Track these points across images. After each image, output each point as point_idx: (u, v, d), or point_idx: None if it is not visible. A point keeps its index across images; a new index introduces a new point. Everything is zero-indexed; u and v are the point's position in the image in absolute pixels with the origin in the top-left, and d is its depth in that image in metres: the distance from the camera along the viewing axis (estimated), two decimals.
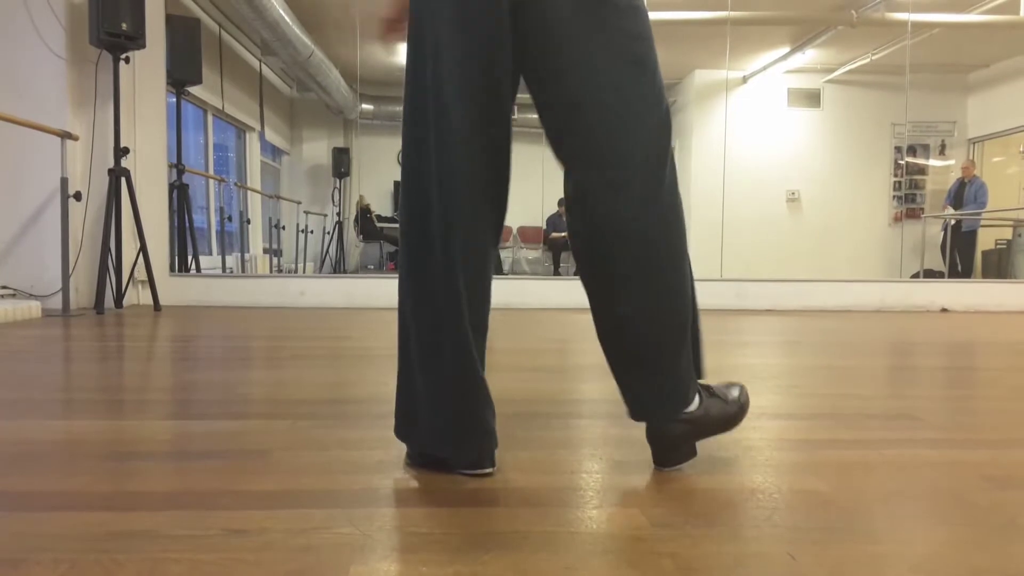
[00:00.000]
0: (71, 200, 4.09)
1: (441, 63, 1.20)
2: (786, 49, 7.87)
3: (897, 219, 8.12)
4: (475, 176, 1.23)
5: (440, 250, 1.21)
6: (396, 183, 8.42)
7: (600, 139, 1.20)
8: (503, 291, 5.08)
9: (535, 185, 7.29)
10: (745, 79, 8.13)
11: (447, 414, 1.22)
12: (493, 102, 1.22)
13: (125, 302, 4.60)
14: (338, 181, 8.21)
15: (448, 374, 1.21)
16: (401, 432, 1.30)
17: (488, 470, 1.24)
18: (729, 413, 1.30)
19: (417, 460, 1.30)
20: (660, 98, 1.23)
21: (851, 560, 0.92)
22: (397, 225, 7.27)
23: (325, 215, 8.34)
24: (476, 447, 1.23)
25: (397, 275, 1.28)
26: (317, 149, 8.43)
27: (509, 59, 1.21)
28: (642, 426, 1.30)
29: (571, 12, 1.17)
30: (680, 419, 1.25)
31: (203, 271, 5.70)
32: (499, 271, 7.12)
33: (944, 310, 5.53)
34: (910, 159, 8.20)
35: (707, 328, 3.56)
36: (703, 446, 1.38)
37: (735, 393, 1.33)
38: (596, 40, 1.18)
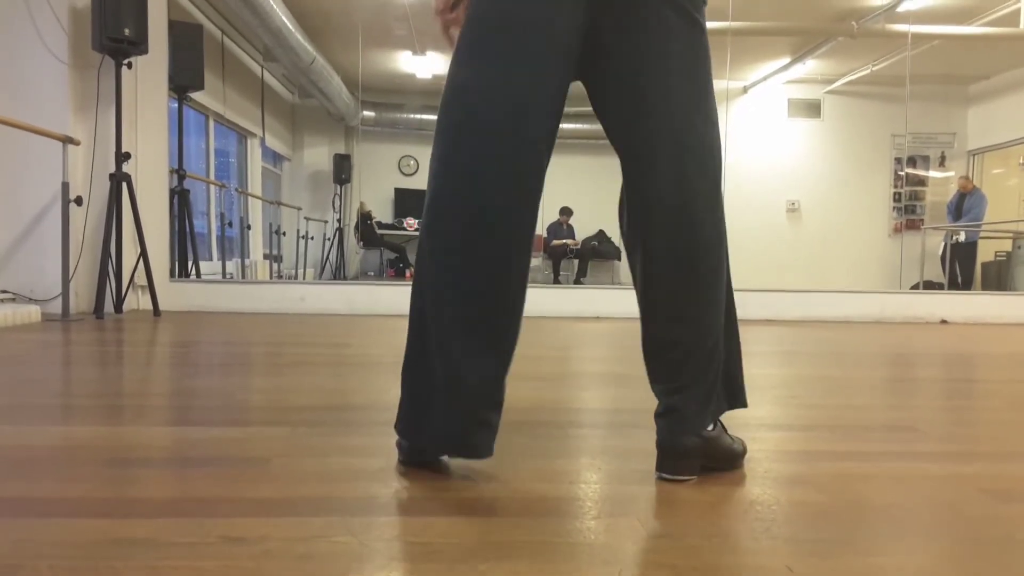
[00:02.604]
0: (72, 205, 4.09)
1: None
2: (787, 60, 7.90)
3: (897, 230, 8.13)
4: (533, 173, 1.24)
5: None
6: (397, 190, 8.43)
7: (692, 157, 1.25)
8: None
9: None
10: (746, 89, 8.15)
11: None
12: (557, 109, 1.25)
13: (125, 307, 4.60)
14: (339, 187, 8.22)
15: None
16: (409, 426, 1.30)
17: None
18: (736, 450, 1.36)
19: (414, 458, 1.32)
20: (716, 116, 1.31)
21: (849, 572, 0.92)
22: (397, 232, 7.25)
23: (326, 221, 8.35)
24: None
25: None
26: (318, 155, 8.44)
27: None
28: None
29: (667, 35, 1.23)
30: (697, 432, 1.27)
31: (203, 277, 5.70)
32: None
33: (944, 322, 5.53)
34: (910, 170, 8.22)
35: None
36: None
37: (739, 441, 1.39)
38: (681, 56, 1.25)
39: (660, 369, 1.30)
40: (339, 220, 8.27)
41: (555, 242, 7.89)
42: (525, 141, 1.21)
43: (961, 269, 7.51)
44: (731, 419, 1.64)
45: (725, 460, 1.34)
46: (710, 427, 1.30)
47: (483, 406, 1.24)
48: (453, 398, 1.23)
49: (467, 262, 1.21)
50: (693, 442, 1.27)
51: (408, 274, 8.26)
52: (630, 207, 1.31)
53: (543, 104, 1.22)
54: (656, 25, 1.22)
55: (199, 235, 5.90)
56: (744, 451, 1.39)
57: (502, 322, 1.25)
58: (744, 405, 1.37)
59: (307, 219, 8.28)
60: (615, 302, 5.16)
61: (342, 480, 1.25)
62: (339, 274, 8.19)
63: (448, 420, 1.23)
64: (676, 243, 1.25)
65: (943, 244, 7.70)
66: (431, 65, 8.07)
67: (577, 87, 1.32)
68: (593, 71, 1.28)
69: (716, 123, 1.29)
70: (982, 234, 7.81)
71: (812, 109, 8.30)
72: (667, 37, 1.23)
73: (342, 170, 8.19)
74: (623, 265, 8.18)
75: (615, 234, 8.16)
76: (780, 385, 2.37)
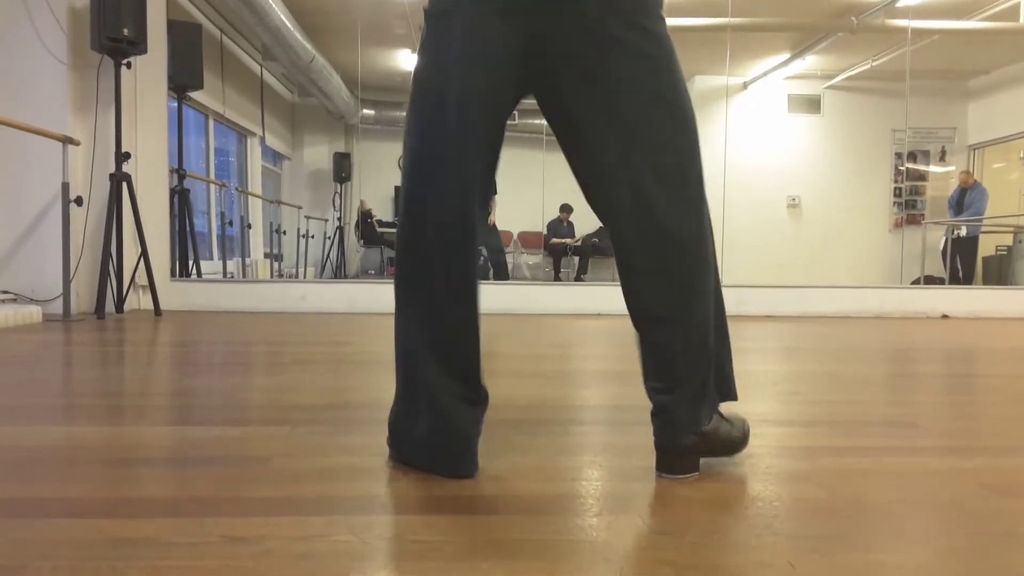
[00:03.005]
0: (72, 205, 4.09)
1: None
2: (786, 55, 7.89)
3: (897, 225, 8.13)
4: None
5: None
6: (397, 188, 8.41)
7: (657, 144, 1.25)
8: (503, 297, 5.08)
9: (535, 191, 7.30)
10: (745, 85, 8.14)
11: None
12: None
13: (126, 307, 4.60)
14: (339, 186, 8.22)
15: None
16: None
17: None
18: (735, 437, 1.35)
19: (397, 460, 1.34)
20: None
21: (851, 568, 0.92)
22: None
23: (326, 220, 8.35)
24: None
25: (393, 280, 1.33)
26: (318, 154, 8.44)
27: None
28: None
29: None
30: (694, 430, 1.27)
31: (204, 276, 5.70)
32: (503, 276, 7.12)
33: (945, 317, 5.53)
34: (910, 165, 8.21)
35: None
36: None
37: (739, 423, 1.38)
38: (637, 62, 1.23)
39: (651, 367, 1.30)
40: (339, 219, 8.27)
41: (555, 240, 7.89)
42: (464, 175, 1.24)
43: (962, 264, 7.50)
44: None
45: (725, 449, 1.34)
46: (706, 423, 1.30)
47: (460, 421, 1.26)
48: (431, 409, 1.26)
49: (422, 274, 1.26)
50: (690, 440, 1.27)
51: None
52: (601, 221, 1.33)
53: (479, 142, 1.24)
54: (601, 46, 1.21)
55: (199, 234, 5.90)
56: (745, 433, 1.37)
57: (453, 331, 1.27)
58: (734, 398, 1.36)
59: (307, 218, 8.29)
60: (616, 299, 5.11)
61: (343, 479, 1.25)
62: (340, 273, 8.19)
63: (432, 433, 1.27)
64: (644, 248, 1.26)
65: (944, 239, 7.69)
66: None
67: None
68: (546, 101, 1.30)
69: (686, 124, 1.26)
70: (983, 229, 7.80)
71: (812, 105, 8.29)
72: (621, 54, 1.21)
73: (342, 168, 8.19)
74: None
75: None
76: (781, 381, 2.37)
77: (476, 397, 1.28)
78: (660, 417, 1.27)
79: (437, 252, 1.24)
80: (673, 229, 1.24)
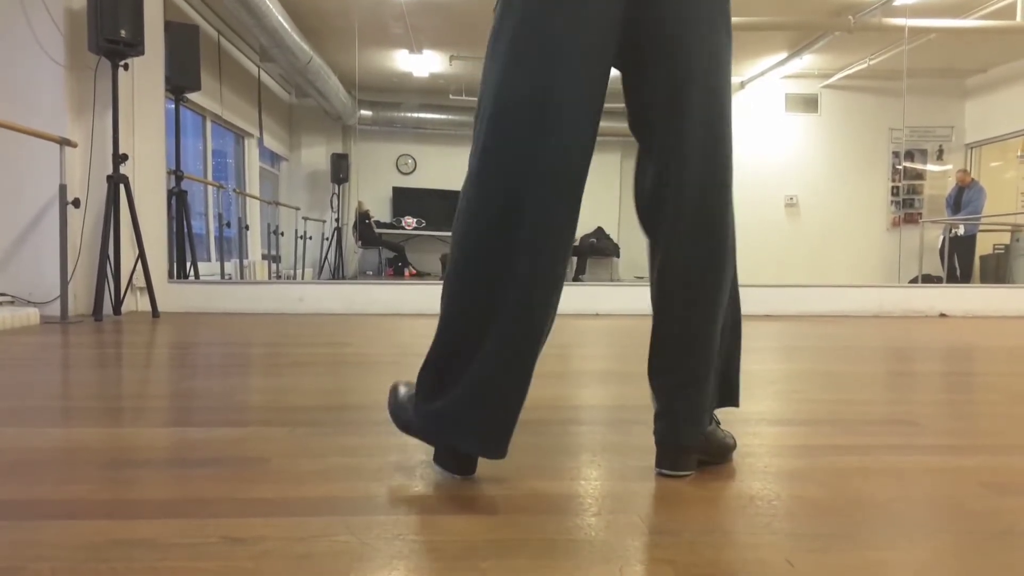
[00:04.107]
0: (70, 207, 4.08)
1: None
2: (784, 54, 7.89)
3: (895, 224, 8.13)
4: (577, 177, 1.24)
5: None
6: (395, 189, 8.43)
7: (710, 144, 1.27)
8: None
9: None
10: (743, 84, 8.15)
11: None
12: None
13: (123, 309, 4.59)
14: (337, 187, 8.22)
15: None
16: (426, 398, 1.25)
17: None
18: (726, 444, 1.38)
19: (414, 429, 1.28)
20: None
21: (850, 567, 0.92)
22: (396, 231, 7.25)
23: (324, 221, 8.34)
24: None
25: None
26: (316, 155, 8.44)
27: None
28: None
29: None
30: (696, 427, 1.28)
31: (202, 278, 5.70)
32: None
33: (943, 315, 5.53)
34: (908, 164, 8.22)
35: None
36: None
37: (728, 432, 1.41)
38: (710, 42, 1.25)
39: (663, 360, 1.30)
40: (337, 220, 8.27)
41: None
42: (562, 143, 1.19)
43: (960, 262, 7.51)
44: (730, 414, 1.64)
45: (719, 454, 1.36)
46: (708, 423, 1.32)
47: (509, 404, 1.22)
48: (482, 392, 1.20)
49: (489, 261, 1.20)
50: (693, 437, 1.28)
51: (407, 273, 8.26)
52: (655, 195, 1.30)
53: (582, 105, 1.20)
54: (702, 7, 1.23)
55: (197, 236, 5.89)
56: (734, 445, 1.40)
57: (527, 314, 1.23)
58: (736, 404, 1.38)
59: (305, 219, 8.28)
60: (614, 299, 5.16)
61: (341, 480, 1.25)
62: (338, 274, 8.19)
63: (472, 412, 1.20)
64: (698, 235, 1.27)
65: (942, 237, 7.70)
66: (428, 63, 8.06)
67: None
68: (631, 59, 1.27)
69: (730, 117, 1.32)
70: (981, 227, 7.81)
71: (809, 104, 8.30)
72: (713, 19, 1.24)
73: (340, 169, 8.18)
74: (622, 262, 8.18)
75: (613, 231, 8.16)
76: (780, 380, 2.37)
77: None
78: (666, 413, 1.28)
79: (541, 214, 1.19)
80: (716, 209, 1.28)
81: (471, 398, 1.19)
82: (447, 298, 1.24)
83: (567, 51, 1.17)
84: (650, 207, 1.31)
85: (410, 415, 1.28)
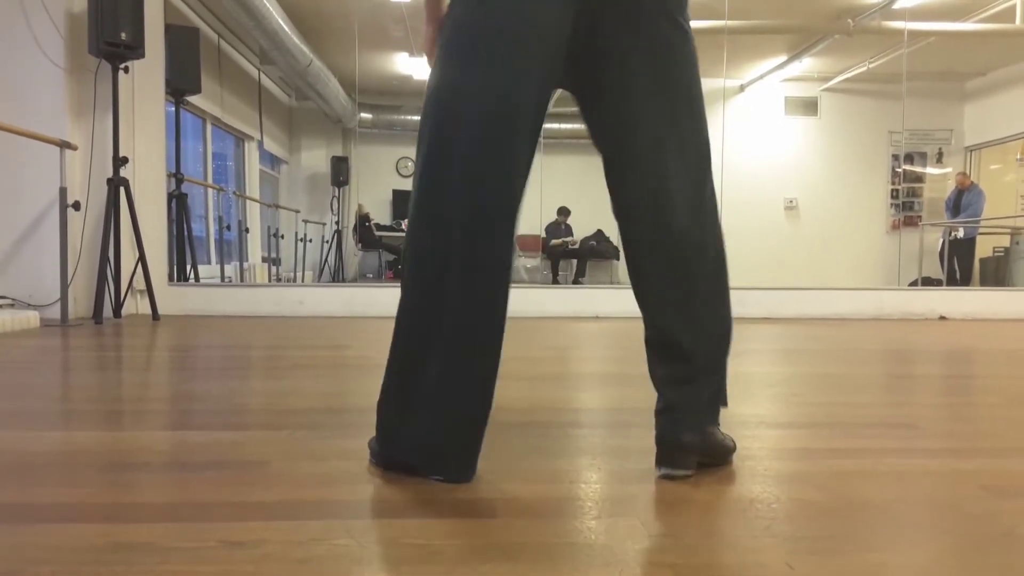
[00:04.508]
0: (70, 210, 4.08)
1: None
2: (783, 58, 7.90)
3: (895, 227, 8.14)
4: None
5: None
6: (395, 191, 8.43)
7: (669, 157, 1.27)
8: None
9: (534, 193, 7.30)
10: (742, 88, 8.16)
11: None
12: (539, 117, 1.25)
13: (124, 312, 4.59)
14: (337, 190, 8.22)
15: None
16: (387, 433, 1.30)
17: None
18: (727, 445, 1.38)
19: (383, 463, 1.31)
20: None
21: (850, 570, 0.92)
22: (396, 233, 7.22)
23: (324, 224, 8.35)
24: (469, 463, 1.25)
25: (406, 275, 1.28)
26: (316, 158, 8.44)
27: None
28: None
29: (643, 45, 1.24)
30: (696, 427, 1.28)
31: (202, 280, 5.70)
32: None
33: (942, 318, 5.53)
34: (907, 167, 8.23)
35: None
36: None
37: (728, 435, 1.41)
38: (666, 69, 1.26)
39: (665, 358, 1.30)
40: (337, 222, 8.27)
41: (554, 242, 7.89)
42: (511, 140, 1.21)
43: (959, 265, 7.51)
44: (729, 416, 1.64)
45: (720, 455, 1.36)
46: (711, 422, 1.32)
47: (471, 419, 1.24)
48: (442, 405, 1.23)
49: (454, 260, 1.21)
50: (693, 437, 1.28)
51: None
52: (615, 210, 1.34)
53: (528, 104, 1.22)
54: (651, 37, 1.24)
55: (197, 239, 5.90)
56: (734, 447, 1.40)
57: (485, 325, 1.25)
58: (725, 404, 1.39)
59: (305, 222, 8.28)
60: (614, 301, 5.15)
61: (341, 483, 1.25)
62: (338, 276, 8.19)
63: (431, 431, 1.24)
64: (658, 246, 1.28)
65: (941, 240, 7.70)
66: (428, 67, 8.06)
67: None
68: (584, 78, 1.29)
69: (706, 128, 1.31)
70: (980, 230, 7.81)
71: (809, 107, 8.31)
72: (665, 49, 1.25)
73: (340, 172, 8.19)
74: (622, 264, 8.17)
75: (613, 233, 8.16)
76: (779, 383, 2.37)
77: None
78: (666, 411, 1.28)
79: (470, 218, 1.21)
80: (689, 224, 1.27)
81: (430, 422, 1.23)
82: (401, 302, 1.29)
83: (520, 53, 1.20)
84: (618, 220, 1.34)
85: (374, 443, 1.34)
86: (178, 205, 5.24)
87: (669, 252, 1.28)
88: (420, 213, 1.25)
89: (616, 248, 8.22)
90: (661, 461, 1.29)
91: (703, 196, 1.29)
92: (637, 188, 1.28)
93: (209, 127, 7.08)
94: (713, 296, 1.30)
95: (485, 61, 1.20)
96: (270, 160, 8.39)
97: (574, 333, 3.99)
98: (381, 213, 8.38)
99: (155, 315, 4.54)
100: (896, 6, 6.66)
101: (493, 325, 1.23)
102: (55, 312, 4.15)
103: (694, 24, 1.30)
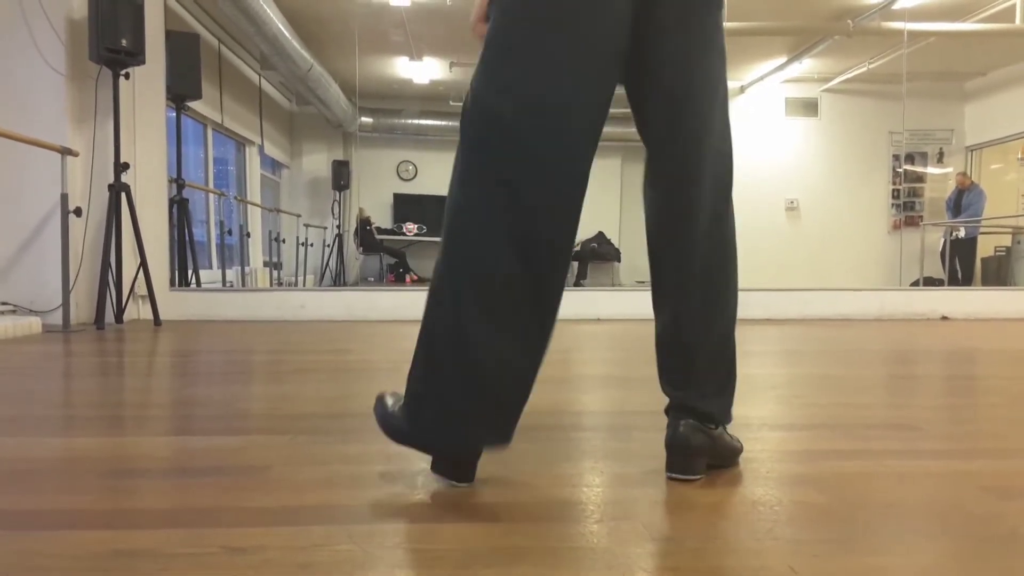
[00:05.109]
0: (71, 216, 4.09)
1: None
2: (783, 59, 7.90)
3: (896, 227, 8.13)
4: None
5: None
6: (396, 195, 8.44)
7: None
8: None
9: None
10: (743, 89, 8.16)
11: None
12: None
13: (125, 317, 4.60)
14: (338, 194, 8.23)
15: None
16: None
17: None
18: (735, 447, 1.39)
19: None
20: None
21: (852, 572, 0.91)
22: (397, 237, 7.23)
23: (325, 228, 8.35)
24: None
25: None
26: (317, 162, 8.45)
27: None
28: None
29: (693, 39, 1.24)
30: (705, 430, 1.29)
31: (203, 285, 5.70)
32: None
33: (944, 318, 5.53)
34: (908, 167, 8.22)
35: None
36: None
37: (735, 436, 1.42)
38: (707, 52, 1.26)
39: (673, 363, 1.31)
40: (338, 226, 8.27)
41: None
42: (569, 145, 1.18)
43: (961, 265, 7.50)
44: (733, 417, 1.64)
45: (727, 457, 1.36)
46: (722, 419, 1.33)
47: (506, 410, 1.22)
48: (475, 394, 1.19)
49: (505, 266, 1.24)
50: (702, 441, 1.28)
51: (408, 279, 8.27)
52: (652, 204, 1.32)
53: (589, 107, 1.19)
54: (700, 32, 1.23)
55: (198, 244, 5.90)
56: (741, 448, 1.41)
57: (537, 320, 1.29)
58: (730, 419, 1.39)
59: (306, 226, 8.29)
60: (615, 304, 5.16)
61: (343, 488, 1.25)
62: (339, 280, 8.19)
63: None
64: (681, 248, 1.29)
65: (942, 240, 7.69)
66: (428, 70, 8.08)
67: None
68: (634, 73, 1.26)
69: (729, 125, 1.35)
70: (981, 230, 7.81)
71: (809, 108, 8.31)
72: (708, 44, 1.25)
73: (341, 176, 8.20)
74: (623, 267, 8.18)
75: (614, 235, 8.17)
76: (781, 384, 2.36)
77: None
78: (676, 416, 1.28)
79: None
80: (720, 214, 1.32)
81: (463, 388, 1.19)
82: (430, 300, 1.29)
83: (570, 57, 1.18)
84: (655, 232, 1.34)
85: (401, 423, 1.24)
86: (179, 210, 5.25)
87: (689, 253, 1.28)
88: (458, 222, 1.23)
89: (617, 250, 8.22)
90: (672, 467, 1.29)
91: (728, 188, 1.35)
92: (696, 187, 1.29)
93: (210, 132, 7.09)
94: (725, 298, 1.32)
95: (543, 61, 1.14)
96: (271, 165, 8.40)
97: (575, 335, 3.99)
98: (382, 217, 8.39)
99: (157, 320, 4.54)
100: (896, 6, 6.67)
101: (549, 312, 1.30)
102: (57, 318, 4.15)
103: None
